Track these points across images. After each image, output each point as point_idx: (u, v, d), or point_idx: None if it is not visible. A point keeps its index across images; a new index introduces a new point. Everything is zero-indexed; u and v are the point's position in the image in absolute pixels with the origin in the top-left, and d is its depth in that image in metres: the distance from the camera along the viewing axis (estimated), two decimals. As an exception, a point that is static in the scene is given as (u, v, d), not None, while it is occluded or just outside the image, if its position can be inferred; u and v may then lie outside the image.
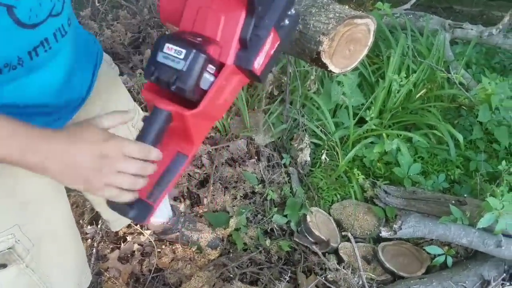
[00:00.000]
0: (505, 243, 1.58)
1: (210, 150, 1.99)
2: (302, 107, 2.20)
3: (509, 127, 2.11)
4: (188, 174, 1.91)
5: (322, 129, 2.16)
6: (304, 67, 2.22)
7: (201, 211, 1.84)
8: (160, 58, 0.65)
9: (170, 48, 0.64)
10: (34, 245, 0.89)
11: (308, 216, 1.78)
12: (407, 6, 3.82)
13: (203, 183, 1.97)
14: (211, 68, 0.66)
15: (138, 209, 0.72)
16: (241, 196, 1.88)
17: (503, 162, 1.87)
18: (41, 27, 0.68)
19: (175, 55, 0.64)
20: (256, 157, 2.07)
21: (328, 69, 1.28)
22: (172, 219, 1.67)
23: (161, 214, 1.66)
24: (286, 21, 0.74)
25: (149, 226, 1.72)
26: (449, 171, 2.06)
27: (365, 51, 1.32)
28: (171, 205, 1.73)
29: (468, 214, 1.63)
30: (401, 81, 2.06)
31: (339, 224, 1.87)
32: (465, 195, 1.82)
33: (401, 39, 2.30)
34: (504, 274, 1.64)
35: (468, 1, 8.13)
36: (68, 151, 0.63)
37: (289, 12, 0.74)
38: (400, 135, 2.11)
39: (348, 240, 1.77)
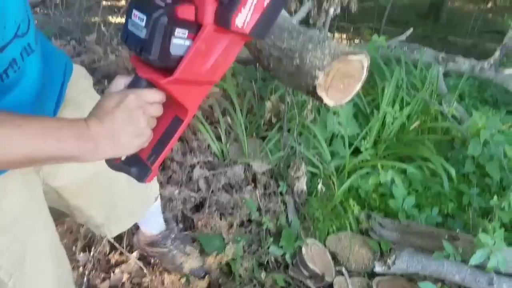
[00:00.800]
0: (496, 281, 1.59)
1: (208, 175, 2.00)
2: (299, 135, 2.23)
3: (500, 161, 2.15)
4: (184, 197, 1.91)
5: (318, 158, 2.19)
6: (301, 96, 2.26)
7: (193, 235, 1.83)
8: (129, 25, 0.64)
9: (135, 15, 0.62)
10: (16, 269, 0.88)
11: (303, 248, 1.78)
12: (403, 37, 3.93)
13: (199, 207, 1.96)
14: (181, 32, 0.63)
15: (139, 168, 0.75)
16: (237, 224, 1.87)
17: (495, 197, 1.90)
18: (8, 49, 0.69)
19: (139, 22, 0.62)
20: (253, 184, 2.08)
21: (324, 102, 1.33)
22: (163, 232, 1.65)
23: (154, 226, 1.64)
24: None
25: (139, 236, 1.67)
26: (443, 205, 2.08)
27: (359, 86, 1.37)
28: (167, 220, 1.71)
29: (460, 250, 1.64)
30: (395, 113, 2.10)
31: (334, 257, 1.86)
32: (457, 230, 1.84)
33: (395, 72, 2.36)
34: (497, 312, 1.64)
35: (462, 33, 8.40)
36: (105, 127, 0.65)
37: None
38: (395, 166, 2.14)
39: (343, 274, 1.78)
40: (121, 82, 0.72)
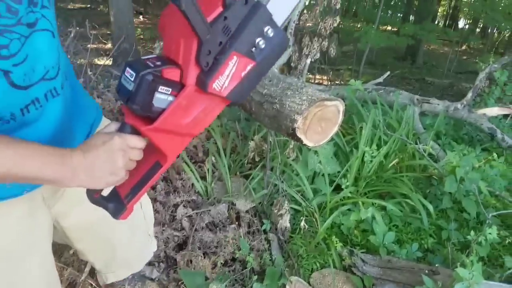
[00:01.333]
0: (476, 314, 1.62)
1: (191, 214, 2.03)
2: (282, 173, 2.30)
3: (476, 197, 2.24)
4: (167, 237, 1.92)
5: (301, 196, 2.24)
6: (283, 136, 2.35)
7: (175, 275, 1.83)
8: (122, 80, 0.75)
9: (127, 71, 0.73)
10: None
11: (287, 287, 1.79)
12: (380, 79, 4.13)
13: (182, 246, 1.97)
14: (165, 89, 0.73)
15: (116, 205, 0.84)
16: (221, 263, 1.88)
17: (472, 232, 1.97)
18: (33, 88, 0.79)
19: (129, 77, 0.73)
20: (236, 223, 2.11)
21: (303, 143, 1.41)
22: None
23: None
24: (261, 43, 0.77)
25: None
26: (423, 240, 2.14)
27: (336, 128, 1.46)
28: None
29: (440, 284, 1.68)
30: (372, 152, 2.19)
31: (318, 293, 1.88)
32: (437, 265, 1.88)
33: (372, 113, 2.48)
34: None
35: (439, 74, 8.81)
36: (87, 159, 0.74)
37: (265, 33, 0.76)
38: (375, 203, 2.21)
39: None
40: (112, 127, 0.80)
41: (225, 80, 0.76)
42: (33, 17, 0.76)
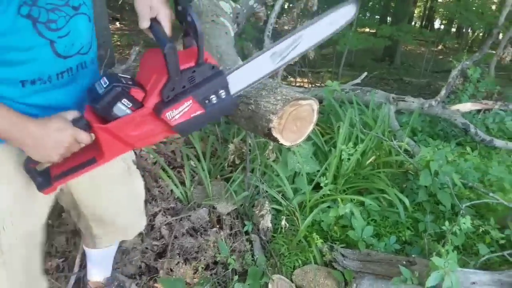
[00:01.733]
0: (452, 301, 1.68)
1: (171, 221, 2.03)
2: (263, 174, 2.34)
3: (451, 189, 2.31)
4: (146, 247, 1.93)
5: (282, 196, 2.28)
6: (262, 137, 2.39)
7: (157, 285, 1.84)
8: (96, 85, 0.90)
9: (103, 79, 0.90)
10: (3, 253, 1.05)
11: (269, 285, 1.82)
12: (358, 80, 4.22)
13: (162, 255, 1.97)
14: (126, 102, 0.89)
15: (44, 180, 0.98)
16: (202, 268, 1.90)
17: (446, 223, 2.03)
18: (69, 59, 0.98)
19: (103, 84, 0.89)
20: (218, 226, 2.13)
21: (280, 142, 1.45)
22: (107, 279, 1.73)
23: (102, 271, 1.72)
24: (214, 99, 0.97)
25: (85, 281, 1.74)
26: (400, 233, 2.20)
27: (311, 127, 1.50)
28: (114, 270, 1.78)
29: (417, 274, 1.73)
30: (349, 150, 2.25)
31: (300, 290, 1.92)
32: (413, 256, 1.94)
33: (348, 112, 2.55)
34: (456, 333, 1.71)
35: (416, 73, 9.02)
36: (37, 133, 0.89)
37: (218, 93, 0.97)
38: (354, 199, 2.27)
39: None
40: (72, 114, 0.94)
41: (176, 114, 0.93)
42: (77, 2, 0.97)
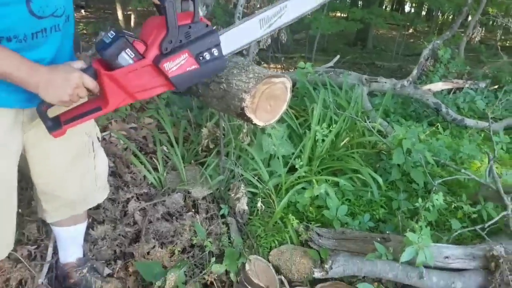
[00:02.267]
0: (426, 274, 1.72)
1: (145, 207, 1.99)
2: (238, 158, 2.31)
3: (424, 167, 2.35)
4: (119, 234, 1.88)
5: (258, 179, 2.27)
6: (237, 121, 2.36)
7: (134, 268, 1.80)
8: (103, 37, 1.02)
9: (110, 32, 1.01)
10: None
11: (246, 265, 1.81)
12: (331, 64, 4.23)
13: (136, 240, 1.93)
14: (130, 53, 1.01)
15: (54, 124, 1.09)
16: (179, 251, 1.87)
17: (419, 200, 2.07)
18: (44, 20, 1.04)
19: (110, 35, 1.01)
20: (193, 210, 2.10)
21: (253, 122, 1.42)
22: (80, 259, 1.72)
23: (73, 252, 1.71)
24: (207, 56, 1.09)
25: (59, 265, 1.73)
26: (374, 211, 2.22)
27: (285, 106, 1.48)
28: (84, 250, 1.78)
29: (391, 249, 1.76)
30: (323, 131, 2.25)
31: (278, 270, 1.91)
32: (388, 232, 1.96)
33: (321, 94, 2.54)
34: (430, 305, 1.75)
35: (388, 57, 9.13)
36: (48, 76, 1.01)
37: (211, 51, 1.09)
38: (328, 180, 2.27)
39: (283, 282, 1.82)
40: (79, 64, 1.07)
41: (173, 66, 1.05)
42: None
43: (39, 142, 1.26)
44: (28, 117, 1.20)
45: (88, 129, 1.39)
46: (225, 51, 1.16)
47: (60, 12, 1.08)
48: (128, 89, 1.06)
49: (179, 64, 1.05)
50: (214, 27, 1.10)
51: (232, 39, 1.21)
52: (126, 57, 1.01)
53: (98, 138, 1.46)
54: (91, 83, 1.04)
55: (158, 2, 1.07)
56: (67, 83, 1.01)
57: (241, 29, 1.23)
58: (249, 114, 1.38)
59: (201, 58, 1.07)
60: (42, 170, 1.34)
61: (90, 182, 1.47)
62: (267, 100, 1.40)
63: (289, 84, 1.43)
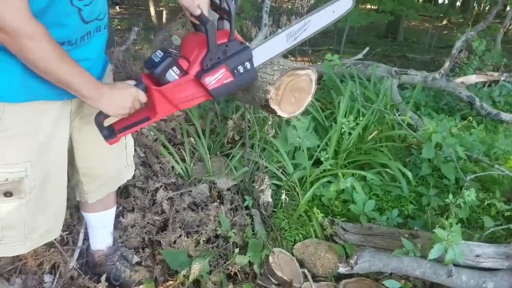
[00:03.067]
0: (455, 273, 1.66)
1: (172, 196, 2.02)
2: (263, 150, 2.30)
3: (456, 162, 2.26)
4: (148, 222, 1.92)
5: (283, 171, 2.25)
6: (262, 113, 2.35)
7: (160, 257, 1.84)
8: (152, 56, 1.15)
9: (158, 52, 1.14)
10: (36, 187, 1.23)
11: (270, 257, 1.81)
12: (360, 56, 4.14)
13: (163, 229, 1.97)
14: (176, 70, 1.14)
15: (109, 132, 1.22)
16: (204, 241, 1.89)
17: (450, 196, 2.00)
18: (90, 24, 1.15)
19: (158, 55, 1.14)
20: (218, 201, 2.11)
21: (277, 114, 1.41)
22: (110, 248, 1.78)
23: (103, 240, 1.77)
24: (241, 69, 1.21)
25: (90, 252, 1.80)
26: (403, 207, 2.17)
27: (310, 98, 1.46)
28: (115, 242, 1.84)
29: (419, 246, 1.71)
30: (349, 123, 2.20)
31: (302, 264, 1.90)
32: (416, 228, 1.91)
33: (349, 86, 2.49)
34: (458, 303, 1.70)
35: (420, 50, 8.85)
36: (110, 92, 1.14)
37: (245, 65, 1.21)
38: (355, 174, 2.23)
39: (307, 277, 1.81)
40: (131, 82, 1.20)
41: (213, 80, 1.18)
42: None
43: (84, 127, 1.39)
44: (76, 106, 1.32)
45: None
46: (256, 64, 1.27)
47: (102, 15, 1.19)
48: (174, 101, 1.19)
49: (217, 78, 1.18)
50: (247, 44, 1.23)
51: (263, 53, 1.31)
52: (172, 74, 1.14)
53: None
54: (143, 97, 1.18)
55: (197, 22, 1.21)
56: (126, 98, 1.15)
57: (271, 44, 1.32)
58: (273, 106, 1.37)
59: (235, 71, 1.20)
60: (87, 153, 1.46)
61: (123, 159, 1.61)
62: (291, 92, 1.39)
63: (314, 77, 1.41)
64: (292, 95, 1.41)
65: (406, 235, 1.82)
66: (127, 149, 1.61)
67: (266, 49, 1.33)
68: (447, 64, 3.42)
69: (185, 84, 1.17)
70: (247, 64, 1.22)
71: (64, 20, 1.06)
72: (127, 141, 1.60)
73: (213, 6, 1.23)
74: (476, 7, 13.03)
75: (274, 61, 1.39)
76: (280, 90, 1.35)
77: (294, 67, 1.35)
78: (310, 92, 1.44)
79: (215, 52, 1.15)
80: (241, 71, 1.21)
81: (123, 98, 1.15)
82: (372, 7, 10.43)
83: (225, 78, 1.19)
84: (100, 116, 1.18)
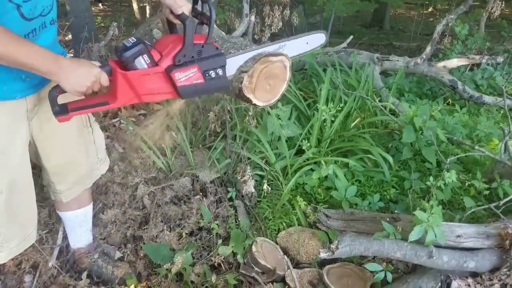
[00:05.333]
0: (436, 253, 1.68)
1: (153, 190, 2.01)
2: (246, 141, 2.30)
3: (437, 145, 2.27)
4: (129, 218, 1.91)
5: (266, 161, 2.25)
6: (243, 104, 2.34)
7: (143, 251, 1.83)
8: (125, 41, 1.13)
9: (131, 38, 1.13)
10: (3, 193, 1.21)
11: (253, 246, 1.81)
12: (344, 45, 4.13)
13: (145, 224, 1.96)
14: (146, 58, 1.12)
15: (61, 110, 1.16)
16: (186, 234, 1.89)
17: (431, 178, 2.01)
18: (33, 21, 1.12)
19: (131, 41, 1.12)
20: (201, 193, 2.10)
21: (253, 102, 1.40)
22: (90, 245, 1.78)
23: (82, 238, 1.76)
24: (213, 74, 1.21)
25: (70, 250, 1.78)
26: (385, 192, 2.18)
27: (285, 85, 1.46)
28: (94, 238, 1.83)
29: (400, 229, 1.72)
30: (330, 111, 2.20)
31: (286, 252, 1.91)
32: (396, 211, 1.92)
33: (328, 73, 2.48)
34: (440, 284, 1.72)
35: (406, 38, 8.84)
36: (72, 67, 1.09)
37: (217, 70, 1.21)
38: (338, 161, 2.24)
39: (295, 267, 1.82)
40: (98, 63, 1.15)
41: (183, 77, 1.16)
42: None
43: (44, 125, 1.33)
44: (32, 103, 1.26)
45: None
46: (229, 73, 1.28)
47: (47, 11, 1.15)
48: (138, 90, 1.15)
49: (187, 76, 1.16)
50: (223, 51, 1.25)
51: (236, 64, 1.31)
52: (142, 62, 1.11)
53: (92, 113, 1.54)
54: (105, 81, 1.14)
55: (176, 21, 1.25)
56: (87, 76, 1.09)
57: (245, 57, 1.32)
58: (247, 94, 1.36)
59: (207, 74, 1.19)
60: (52, 152, 1.42)
61: (93, 155, 1.57)
62: (265, 80, 1.38)
63: (288, 63, 1.41)
64: (267, 83, 1.40)
65: (388, 219, 1.83)
66: (96, 144, 1.58)
67: (240, 61, 1.33)
68: (428, 49, 3.43)
69: (153, 76, 1.15)
70: (219, 71, 1.21)
71: (3, 18, 1.02)
72: (95, 135, 1.56)
73: (194, 13, 1.25)
74: (461, -7, 13.04)
75: (247, 48, 1.38)
76: (253, 78, 1.34)
77: (267, 54, 1.34)
78: (285, 79, 1.44)
79: (190, 50, 1.15)
80: (213, 76, 1.20)
81: (83, 75, 1.10)
82: (358, -4, 10.41)
83: (195, 78, 1.18)
84: (55, 90, 1.13)
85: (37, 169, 1.54)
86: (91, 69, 1.10)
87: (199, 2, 1.25)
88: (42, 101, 1.28)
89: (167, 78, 1.16)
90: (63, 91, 1.12)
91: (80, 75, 1.09)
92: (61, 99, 1.16)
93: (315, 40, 1.51)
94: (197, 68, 1.17)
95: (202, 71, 1.18)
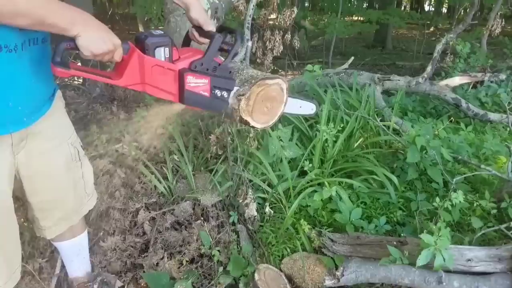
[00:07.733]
0: (446, 279, 1.61)
1: (154, 216, 1.97)
2: (247, 163, 2.27)
3: (443, 165, 2.22)
4: (129, 245, 1.87)
5: (268, 183, 2.21)
6: (244, 126, 2.32)
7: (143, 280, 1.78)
8: (152, 30, 1.16)
9: (160, 31, 1.16)
10: None
11: (256, 274, 1.75)
12: (345, 66, 4.14)
13: (145, 251, 1.91)
14: (166, 52, 1.14)
15: (62, 63, 1.09)
16: (187, 261, 1.83)
17: (437, 199, 1.95)
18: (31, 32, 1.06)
19: (158, 32, 1.15)
20: (202, 218, 2.06)
21: (251, 125, 1.39)
22: (89, 275, 1.72)
23: (81, 267, 1.71)
24: (218, 93, 1.23)
25: (69, 280, 1.73)
26: (392, 213, 2.12)
27: (282, 107, 1.44)
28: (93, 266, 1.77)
29: (407, 253, 1.65)
30: (331, 131, 2.17)
31: (290, 279, 1.84)
32: (404, 235, 1.86)
33: (328, 94, 2.47)
34: (451, 310, 1.64)
35: (409, 57, 8.90)
36: (99, 27, 1.05)
37: (223, 92, 1.24)
38: (342, 182, 2.19)
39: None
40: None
41: (193, 82, 1.18)
42: None
43: (31, 160, 1.27)
44: (17, 139, 1.19)
45: (71, 139, 1.41)
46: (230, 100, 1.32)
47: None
48: (145, 76, 1.15)
49: (197, 84, 1.19)
50: (234, 78, 1.29)
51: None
52: (161, 53, 1.14)
53: (81, 147, 1.49)
54: (119, 55, 1.10)
55: (202, 39, 1.30)
56: (107, 42, 1.05)
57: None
58: (245, 116, 1.35)
59: (214, 91, 1.22)
60: (39, 187, 1.35)
61: (81, 190, 1.51)
62: (263, 102, 1.38)
63: (284, 86, 1.40)
64: (264, 105, 1.39)
65: (395, 243, 1.77)
66: (84, 178, 1.51)
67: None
68: (429, 68, 3.42)
69: (165, 71, 1.17)
70: (225, 93, 1.24)
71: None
72: (83, 170, 1.50)
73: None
74: (462, 12, 13.19)
75: (243, 72, 1.37)
76: (251, 101, 1.33)
77: (263, 77, 1.33)
78: (282, 101, 1.43)
79: (207, 62, 1.18)
80: (218, 95, 1.23)
81: (103, 39, 1.05)
82: (359, 18, 10.56)
83: (203, 89, 1.21)
84: (67, 43, 1.06)
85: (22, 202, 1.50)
86: (113, 38, 1.07)
87: (224, 31, 1.30)
88: (31, 137, 1.23)
89: (177, 79, 1.18)
90: (74, 47, 1.06)
91: (101, 37, 1.05)
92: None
93: (307, 107, 1.59)
94: (208, 81, 1.20)
95: (212, 86, 1.21)
